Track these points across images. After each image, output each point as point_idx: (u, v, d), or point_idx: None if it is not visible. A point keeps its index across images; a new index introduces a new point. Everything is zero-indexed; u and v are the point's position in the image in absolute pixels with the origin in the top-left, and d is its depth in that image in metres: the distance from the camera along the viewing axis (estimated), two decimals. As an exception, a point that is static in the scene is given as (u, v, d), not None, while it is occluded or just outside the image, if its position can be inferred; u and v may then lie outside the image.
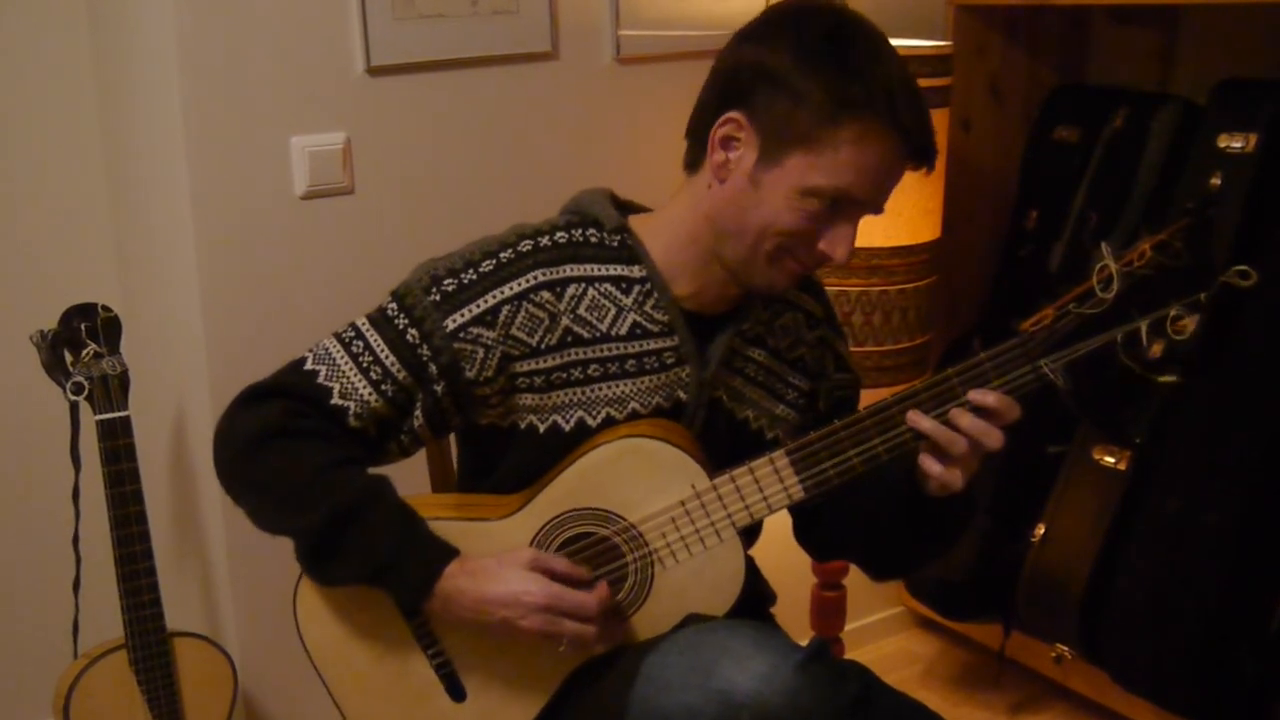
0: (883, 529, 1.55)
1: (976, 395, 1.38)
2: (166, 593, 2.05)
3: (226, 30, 1.98)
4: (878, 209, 1.45)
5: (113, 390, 1.98)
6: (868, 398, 1.59)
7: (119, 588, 2.00)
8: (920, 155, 1.42)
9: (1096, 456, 2.45)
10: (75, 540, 2.13)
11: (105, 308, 2.00)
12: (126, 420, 1.98)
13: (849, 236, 1.43)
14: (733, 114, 1.41)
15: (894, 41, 2.35)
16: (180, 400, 2.21)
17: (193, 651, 2.08)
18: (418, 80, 2.13)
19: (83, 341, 1.98)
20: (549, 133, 2.28)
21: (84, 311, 1.98)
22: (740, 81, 1.42)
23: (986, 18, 2.73)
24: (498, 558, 1.42)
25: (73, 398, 1.97)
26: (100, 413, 1.97)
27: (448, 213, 2.20)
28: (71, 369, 1.98)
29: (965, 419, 1.38)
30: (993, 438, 1.39)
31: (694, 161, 1.49)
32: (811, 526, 1.69)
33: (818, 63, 1.37)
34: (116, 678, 2.03)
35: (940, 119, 2.30)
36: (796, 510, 1.63)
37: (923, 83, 2.20)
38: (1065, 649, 2.51)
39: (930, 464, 1.41)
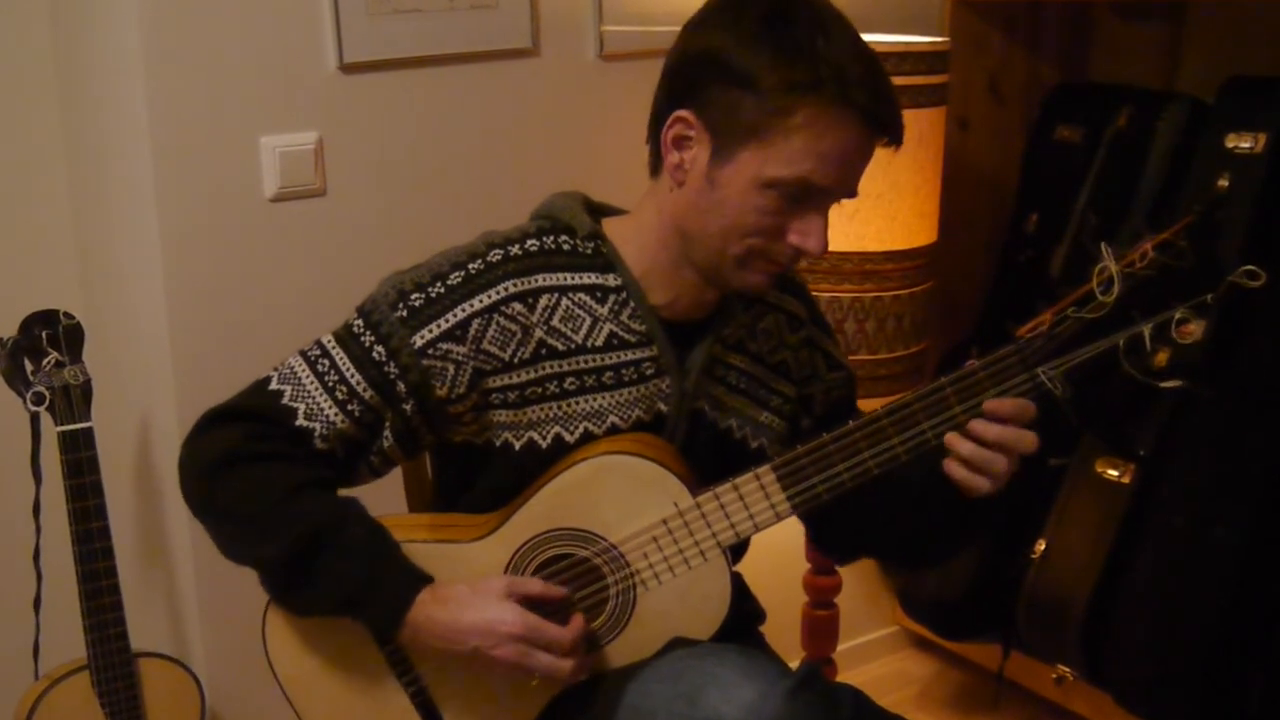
0: (907, 529, 1.55)
1: (992, 405, 1.35)
2: (131, 611, 2.03)
3: (193, 25, 1.96)
4: (849, 193, 1.41)
5: (75, 401, 1.96)
6: (861, 408, 1.58)
7: (82, 606, 1.98)
8: (883, 130, 1.36)
9: (1099, 469, 2.44)
10: (36, 556, 2.11)
11: (67, 315, 1.98)
12: (89, 432, 1.96)
13: (820, 226, 1.39)
14: (681, 112, 1.38)
15: (890, 38, 2.31)
16: (145, 412, 2.19)
17: (158, 673, 2.06)
18: (393, 78, 2.12)
19: (44, 350, 1.96)
20: (529, 132, 2.27)
21: (45, 319, 1.96)
22: (686, 74, 1.39)
23: (985, 13, 2.74)
24: (471, 585, 1.40)
25: (33, 408, 1.96)
26: (62, 424, 1.95)
27: (423, 215, 2.19)
28: (32, 378, 1.96)
29: (993, 431, 1.35)
30: (1026, 441, 1.36)
31: (655, 164, 1.46)
32: (827, 532, 1.66)
33: (759, 44, 1.33)
34: (79, 700, 2.01)
35: (937, 118, 2.30)
36: (807, 517, 1.60)
37: (919, 81, 2.21)
38: (1066, 670, 2.50)
39: (955, 469, 1.38)
